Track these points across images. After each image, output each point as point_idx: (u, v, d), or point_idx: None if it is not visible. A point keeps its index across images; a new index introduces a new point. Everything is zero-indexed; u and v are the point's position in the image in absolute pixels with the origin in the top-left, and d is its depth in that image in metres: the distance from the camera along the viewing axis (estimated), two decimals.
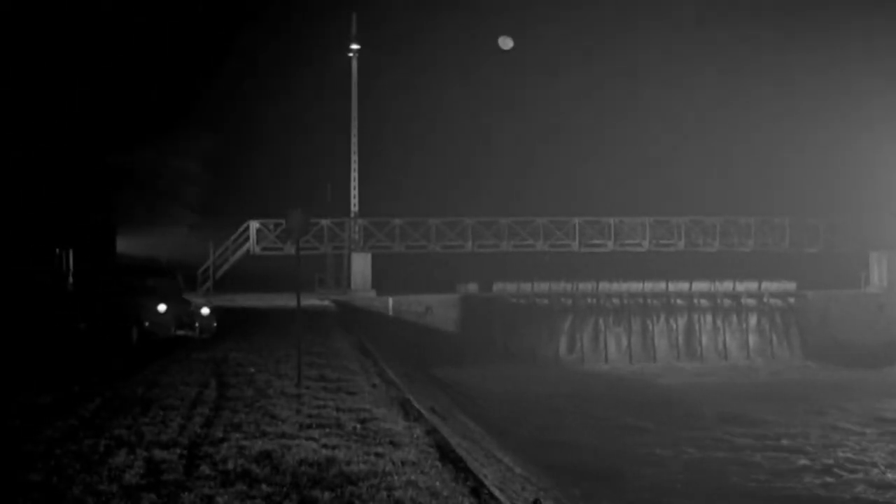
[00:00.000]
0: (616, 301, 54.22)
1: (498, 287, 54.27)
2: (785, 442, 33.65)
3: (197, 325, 34.47)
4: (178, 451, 15.21)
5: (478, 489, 13.71)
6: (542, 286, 54.23)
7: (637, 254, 57.55)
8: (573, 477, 26.80)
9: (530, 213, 57.85)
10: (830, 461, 30.56)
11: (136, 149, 48.50)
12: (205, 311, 35.81)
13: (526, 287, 54.20)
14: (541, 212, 57.86)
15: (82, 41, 43.97)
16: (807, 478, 28.74)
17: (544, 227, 56.85)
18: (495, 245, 56.67)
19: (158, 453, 15.03)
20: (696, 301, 54.69)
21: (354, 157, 55.59)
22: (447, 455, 16.15)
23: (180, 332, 33.42)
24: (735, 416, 37.71)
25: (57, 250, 47.18)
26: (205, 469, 14.02)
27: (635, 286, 54.67)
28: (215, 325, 35.63)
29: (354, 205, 55.82)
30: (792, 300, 55.31)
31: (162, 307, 33.72)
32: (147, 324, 33.12)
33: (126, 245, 60.37)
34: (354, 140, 55.60)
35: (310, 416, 18.74)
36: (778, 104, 69.21)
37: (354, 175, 55.74)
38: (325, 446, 15.68)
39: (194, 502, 12.20)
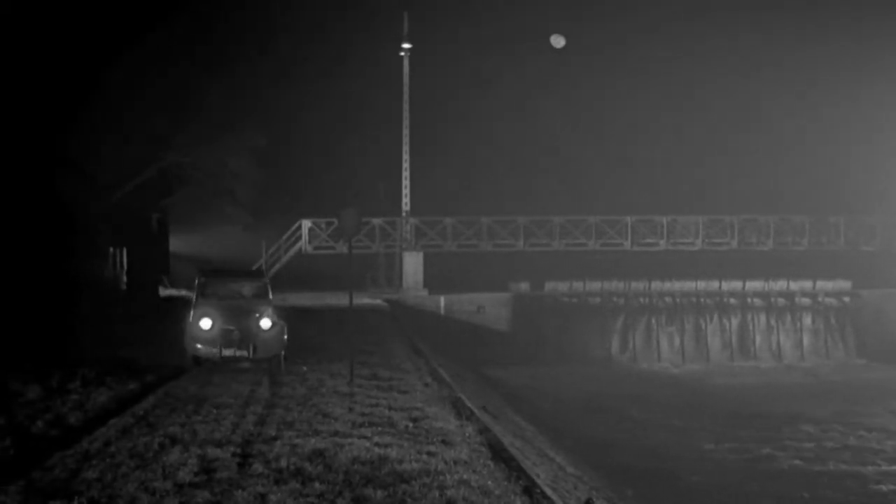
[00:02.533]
0: (669, 300, 53.91)
1: (550, 286, 54.08)
2: (839, 444, 33.29)
3: (252, 344, 25.24)
4: (232, 449, 15.28)
5: (530, 488, 13.68)
6: (595, 285, 54.01)
7: (690, 253, 57.21)
8: (625, 477, 26.66)
9: (582, 211, 57.67)
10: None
11: (190, 148, 48.71)
12: (265, 323, 25.87)
13: (578, 286, 53.99)
14: (593, 210, 57.67)
15: (139, 42, 44.28)
16: (868, 484, 28.39)
17: (596, 225, 56.64)
18: (547, 244, 56.50)
19: (212, 451, 15.10)
20: (749, 300, 54.26)
21: (406, 156, 55.58)
22: (499, 454, 16.13)
23: (227, 353, 25.31)
24: (791, 418, 37.32)
25: (111, 249, 47.59)
26: (258, 467, 14.07)
27: (688, 285, 54.31)
28: (283, 341, 26.34)
29: (406, 203, 55.82)
30: (847, 299, 54.75)
31: (206, 322, 25.61)
32: (186, 340, 25.89)
33: (179, 244, 60.82)
34: (406, 139, 55.59)
35: (362, 414, 18.78)
36: (836, 101, 68.50)
37: (406, 174, 55.72)
38: (377, 445, 15.71)
39: (247, 500, 12.25)
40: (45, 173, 39.71)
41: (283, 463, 14.30)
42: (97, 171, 46.00)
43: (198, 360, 25.85)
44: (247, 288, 27.85)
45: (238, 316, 25.82)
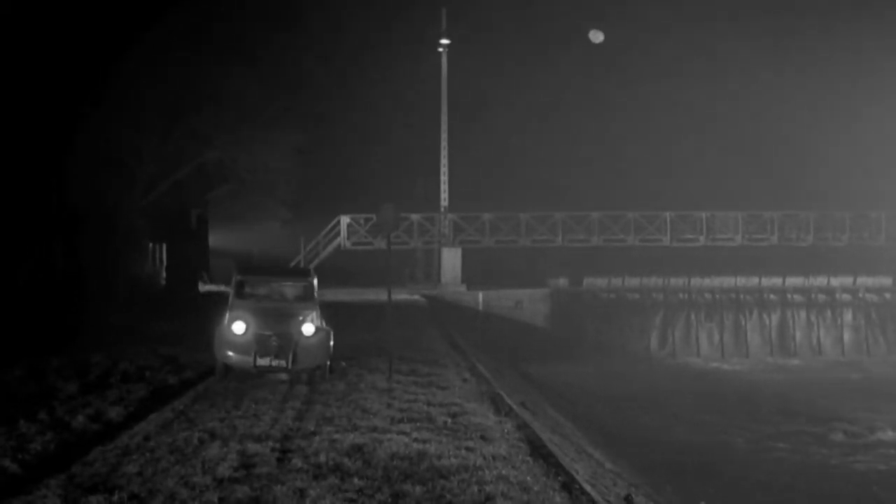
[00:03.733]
0: (708, 296, 53.75)
1: (588, 282, 54.02)
2: (879, 440, 33.03)
3: (291, 353, 22.18)
4: (271, 444, 15.32)
5: (569, 484, 13.64)
6: (633, 281, 53.91)
7: (729, 248, 56.99)
8: (665, 473, 26.56)
9: (621, 207, 57.53)
10: None
11: (230, 145, 48.88)
12: (307, 328, 22.82)
13: (617, 282, 53.91)
14: (631, 206, 57.52)
15: (181, 39, 44.48)
16: None
17: (635, 221, 56.50)
18: (586, 239, 56.41)
19: (251, 446, 15.14)
20: (789, 296, 54.03)
21: (444, 152, 55.62)
22: (538, 450, 16.10)
23: (262, 363, 22.10)
24: (832, 414, 37.05)
25: (151, 245, 47.83)
26: (297, 462, 14.10)
27: (728, 281, 54.12)
28: (328, 350, 23.44)
29: (444, 199, 55.85)
30: (888, 295, 54.38)
31: (239, 326, 22.49)
32: (216, 345, 22.76)
33: (219, 240, 61.05)
34: (444, 135, 55.63)
35: (401, 410, 18.79)
36: (879, 96, 67.95)
37: (444, 170, 55.77)
38: (416, 440, 15.71)
39: (286, 495, 12.27)
40: (86, 170, 39.93)
41: (322, 458, 14.32)
42: (137, 168, 46.24)
43: (228, 370, 22.83)
44: (290, 288, 24.73)
45: (277, 320, 22.62)
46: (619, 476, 21.03)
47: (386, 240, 26.03)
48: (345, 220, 55.29)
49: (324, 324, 24.04)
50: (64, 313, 33.47)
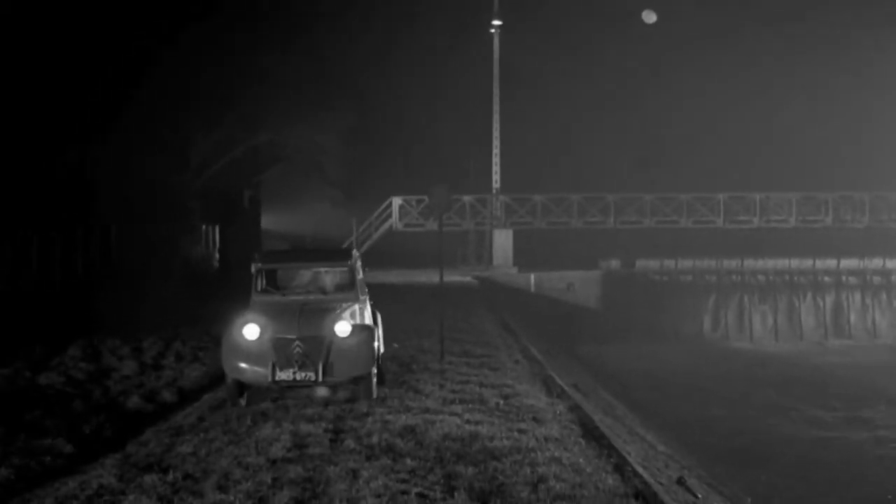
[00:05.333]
0: (762, 278, 53.37)
1: (641, 264, 53.79)
2: None
3: (322, 362, 17.15)
4: (323, 425, 15.37)
5: (621, 466, 13.61)
6: (686, 263, 53.61)
7: (783, 230, 56.57)
8: (716, 455, 26.47)
9: (673, 189, 57.25)
10: None
11: (282, 126, 49.01)
12: (342, 327, 17.60)
13: (669, 264, 53.64)
14: (684, 188, 57.22)
15: (231, 21, 44.66)
16: None
17: (688, 203, 56.23)
18: (638, 221, 56.21)
19: (304, 427, 15.20)
20: (844, 278, 53.52)
21: (496, 133, 55.53)
22: (590, 431, 16.07)
23: (284, 377, 17.08)
24: (889, 398, 36.67)
25: (203, 227, 48.11)
26: (349, 443, 14.14)
27: (781, 263, 53.68)
28: (372, 354, 18.01)
29: (496, 181, 55.78)
30: None
31: (251, 330, 17.46)
32: (223, 356, 17.69)
33: (271, 221, 61.30)
34: (496, 116, 55.52)
35: (453, 391, 18.80)
36: None
37: (496, 151, 55.68)
38: (468, 422, 15.71)
39: (339, 476, 12.32)
40: (140, 153, 40.22)
41: (375, 439, 14.36)
42: (190, 150, 46.49)
43: (242, 388, 17.69)
44: (325, 276, 19.86)
45: (303, 318, 17.60)
46: (671, 458, 20.98)
47: (438, 221, 25.84)
48: (397, 201, 55.36)
49: (373, 318, 19.75)
50: (119, 295, 33.75)
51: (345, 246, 54.41)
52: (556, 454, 13.68)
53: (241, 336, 17.47)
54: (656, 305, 52.06)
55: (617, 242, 55.94)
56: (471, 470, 12.66)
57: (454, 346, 25.08)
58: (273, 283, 19.47)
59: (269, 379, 17.11)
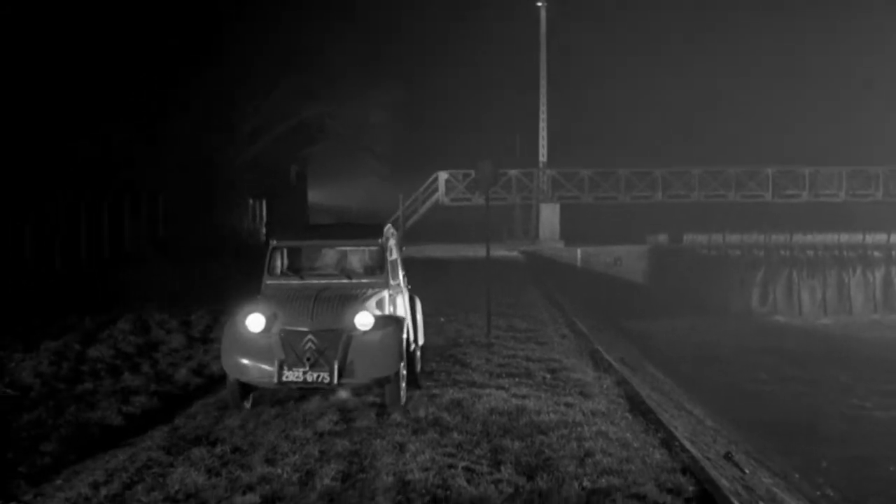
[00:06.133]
0: (811, 253, 53.01)
1: (688, 238, 53.55)
2: None
3: (338, 360, 14.40)
4: (371, 398, 15.39)
5: (668, 441, 13.56)
6: (734, 237, 53.33)
7: (833, 205, 56.15)
8: (764, 430, 26.34)
9: (721, 162, 56.95)
10: None
11: (330, 101, 49.08)
12: (363, 319, 14.80)
13: (717, 238, 53.36)
14: (733, 162, 56.91)
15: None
16: None
17: (736, 177, 55.93)
18: (686, 195, 55.99)
19: (351, 401, 15.23)
20: (894, 253, 53.05)
21: (543, 108, 55.36)
22: (637, 406, 16.02)
23: (292, 377, 14.43)
24: None
25: (251, 200, 48.29)
26: (396, 417, 14.17)
27: (831, 238, 53.27)
28: (400, 349, 14.87)
29: (543, 155, 55.65)
30: None
31: (255, 321, 14.83)
32: (223, 351, 15.04)
33: (318, 195, 61.44)
34: (543, 90, 55.35)
35: (500, 365, 18.80)
36: None
37: (543, 125, 55.52)
38: (515, 395, 15.70)
39: (386, 449, 12.35)
40: (191, 126, 40.43)
41: (422, 413, 14.36)
42: (238, 124, 46.66)
43: (245, 389, 15.15)
44: (353, 257, 17.04)
45: (318, 307, 14.89)
46: (718, 433, 20.90)
47: (484, 196, 25.75)
48: (443, 175, 55.37)
49: (410, 306, 17.28)
50: (166, 268, 33.96)
51: (393, 219, 54.40)
52: (603, 428, 13.65)
53: (244, 327, 14.85)
54: (704, 280, 51.83)
55: (664, 217, 55.72)
56: (517, 444, 12.65)
57: (500, 320, 25.07)
58: (291, 265, 16.68)
59: (275, 380, 14.46)
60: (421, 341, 17.81)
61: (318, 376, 14.36)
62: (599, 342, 25.17)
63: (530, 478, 11.26)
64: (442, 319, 25.19)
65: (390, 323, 15.07)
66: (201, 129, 41.96)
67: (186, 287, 30.73)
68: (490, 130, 65.02)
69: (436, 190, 55.55)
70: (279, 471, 11.47)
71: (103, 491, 10.92)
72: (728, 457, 16.04)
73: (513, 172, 55.28)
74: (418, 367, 17.27)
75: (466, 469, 11.49)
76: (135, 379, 17.51)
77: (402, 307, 16.59)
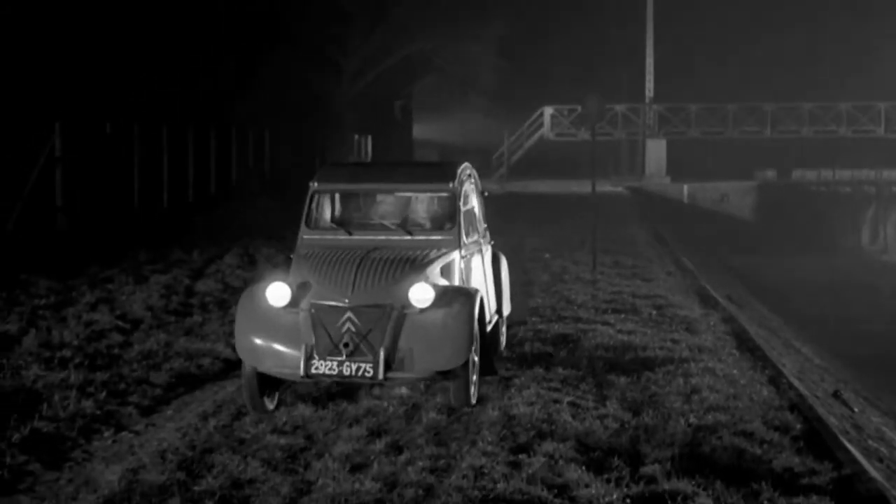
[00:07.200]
0: None
1: (797, 174, 52.82)
2: None
3: (383, 350, 10.57)
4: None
5: (776, 378, 13.45)
6: (845, 174, 52.45)
7: None
8: (873, 369, 25.98)
9: (830, 98, 55.87)
10: None
11: (434, 36, 48.96)
12: (419, 293, 10.89)
13: (827, 174, 52.55)
14: (842, 97, 55.79)
15: None
16: None
17: (847, 112, 54.89)
18: (795, 131, 55.13)
19: None
20: None
21: (650, 42, 54.76)
22: (744, 343, 15.91)
23: (324, 369, 10.69)
24: None
25: (356, 136, 48.53)
26: (502, 351, 14.19)
27: None
28: (468, 335, 10.97)
29: (650, 90, 55.11)
30: None
31: (277, 292, 11.05)
32: (237, 333, 11.31)
33: (422, 131, 61.52)
34: (650, 24, 54.71)
35: (605, 301, 18.76)
36: None
37: (650, 60, 54.95)
38: (620, 331, 15.66)
39: (492, 384, 12.37)
40: (296, 63, 40.65)
41: (528, 348, 14.38)
42: (343, 60, 46.80)
43: (263, 381, 11.19)
44: (418, 206, 13.05)
45: (362, 275, 11.14)
46: (826, 371, 20.68)
47: (590, 131, 25.56)
48: (548, 111, 55.13)
49: (493, 269, 14.10)
50: (273, 203, 34.30)
51: (497, 154, 54.26)
52: (710, 365, 13.56)
53: (264, 300, 11.18)
54: (813, 217, 51.09)
55: (772, 153, 54.96)
56: (623, 379, 12.62)
57: (606, 256, 24.96)
58: (339, 215, 13.07)
59: (301, 372, 10.79)
60: (507, 311, 14.52)
61: (359, 368, 10.73)
62: (706, 279, 25.00)
63: (636, 413, 11.23)
64: (547, 255, 25.17)
65: (458, 297, 11.27)
66: (308, 66, 42.17)
67: (291, 223, 30.99)
68: (597, 64, 64.46)
69: (541, 125, 55.35)
70: (385, 404, 11.54)
71: (212, 422, 11.08)
72: (836, 395, 15.87)
73: (619, 107, 54.81)
74: (501, 345, 14.22)
75: (572, 404, 11.48)
76: None
77: (477, 273, 13.07)
